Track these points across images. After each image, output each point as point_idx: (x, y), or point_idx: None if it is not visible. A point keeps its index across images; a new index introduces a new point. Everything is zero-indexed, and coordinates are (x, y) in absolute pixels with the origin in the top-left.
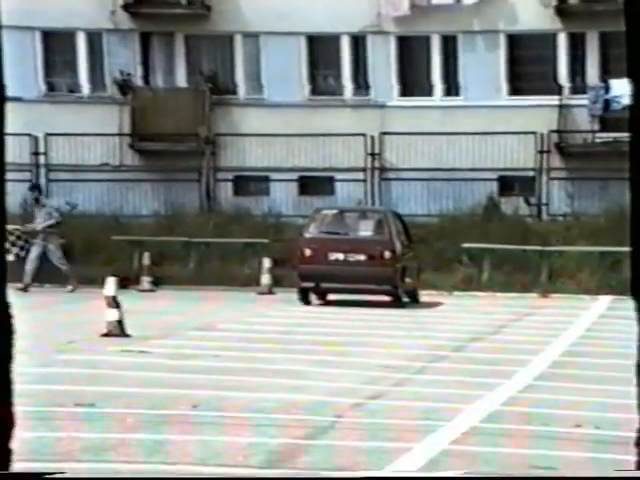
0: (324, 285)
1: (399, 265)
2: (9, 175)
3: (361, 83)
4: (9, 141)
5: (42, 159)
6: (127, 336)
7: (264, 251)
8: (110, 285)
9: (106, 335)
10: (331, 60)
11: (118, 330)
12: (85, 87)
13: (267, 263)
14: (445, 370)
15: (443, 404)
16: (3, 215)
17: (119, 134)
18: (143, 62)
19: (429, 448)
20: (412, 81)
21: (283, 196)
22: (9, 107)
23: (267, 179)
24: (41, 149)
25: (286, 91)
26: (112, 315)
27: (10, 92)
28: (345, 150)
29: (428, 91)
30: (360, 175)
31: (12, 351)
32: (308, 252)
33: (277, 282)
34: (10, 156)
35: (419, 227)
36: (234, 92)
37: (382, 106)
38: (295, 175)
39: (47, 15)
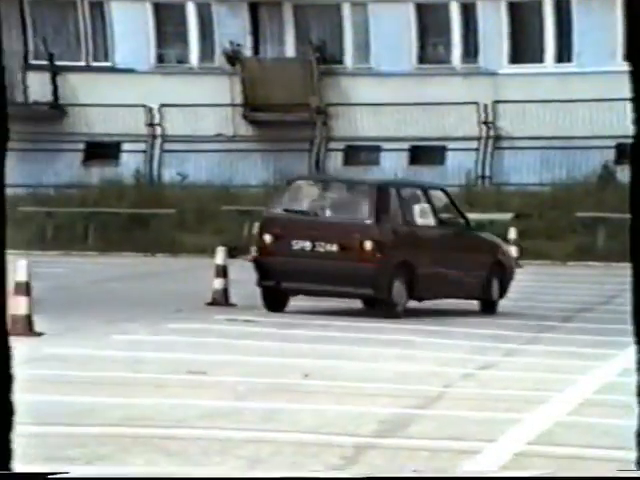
0: (286, 285)
1: (389, 260)
2: (126, 146)
3: (471, 51)
4: (125, 112)
5: (157, 130)
6: (232, 305)
7: None
8: (219, 254)
9: (211, 304)
10: (441, 28)
11: (223, 299)
12: (195, 58)
13: None
14: (555, 340)
15: (555, 375)
16: (3, 216)
17: (231, 105)
18: (252, 32)
19: (542, 419)
20: (524, 48)
21: (393, 166)
22: (123, 78)
23: (378, 149)
24: (156, 120)
25: (395, 60)
26: (219, 284)
27: (123, 64)
28: (458, 119)
29: (540, 58)
30: (473, 144)
31: (10, 355)
32: (269, 238)
33: None
34: (126, 127)
35: (530, 196)
36: (342, 62)
37: (493, 74)
38: (406, 145)
39: None
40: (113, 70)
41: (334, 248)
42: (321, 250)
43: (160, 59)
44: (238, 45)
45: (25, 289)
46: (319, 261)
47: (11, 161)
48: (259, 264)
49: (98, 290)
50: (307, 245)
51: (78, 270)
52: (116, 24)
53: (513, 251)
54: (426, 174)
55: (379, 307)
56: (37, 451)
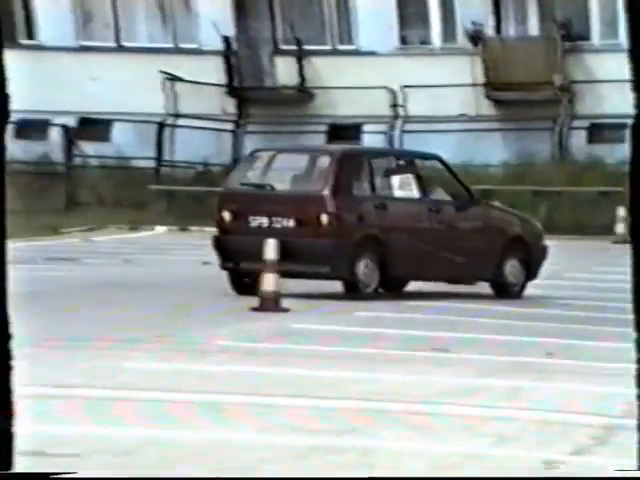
0: (244, 265)
1: (350, 235)
2: (367, 127)
3: None
4: (367, 94)
5: (399, 111)
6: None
7: (619, 200)
8: None
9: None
10: None
11: None
12: (437, 39)
13: (622, 212)
14: None
15: None
16: (3, 216)
17: (473, 84)
18: (494, 11)
19: None
20: None
21: None
22: (366, 61)
23: (623, 126)
24: (397, 101)
25: None
26: None
27: (366, 47)
28: None
29: None
30: None
31: (11, 356)
32: (227, 216)
33: None
34: (367, 109)
35: None
36: (588, 38)
37: None
38: None
39: None
40: (357, 53)
41: (290, 223)
42: (278, 226)
43: (403, 41)
44: (480, 25)
45: (273, 267)
46: (276, 238)
47: (260, 143)
48: (219, 244)
49: None
50: (264, 221)
51: None
52: (360, 7)
53: None
54: None
55: (348, 287)
56: (287, 421)
